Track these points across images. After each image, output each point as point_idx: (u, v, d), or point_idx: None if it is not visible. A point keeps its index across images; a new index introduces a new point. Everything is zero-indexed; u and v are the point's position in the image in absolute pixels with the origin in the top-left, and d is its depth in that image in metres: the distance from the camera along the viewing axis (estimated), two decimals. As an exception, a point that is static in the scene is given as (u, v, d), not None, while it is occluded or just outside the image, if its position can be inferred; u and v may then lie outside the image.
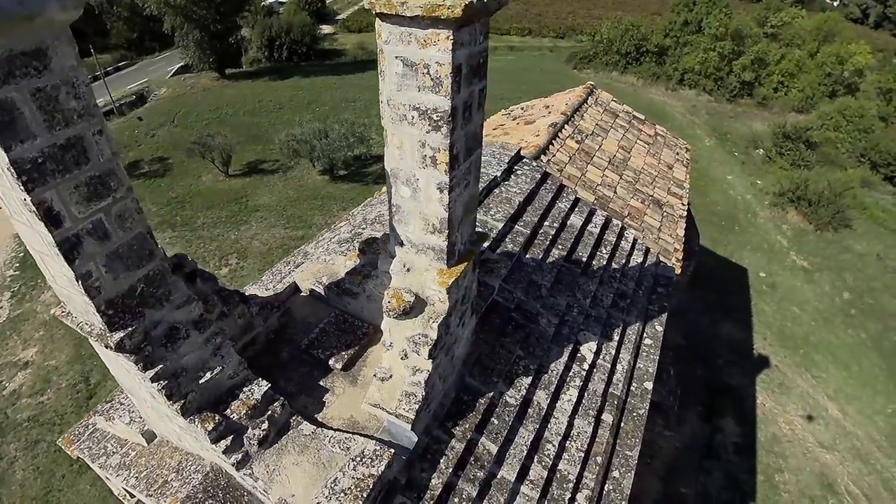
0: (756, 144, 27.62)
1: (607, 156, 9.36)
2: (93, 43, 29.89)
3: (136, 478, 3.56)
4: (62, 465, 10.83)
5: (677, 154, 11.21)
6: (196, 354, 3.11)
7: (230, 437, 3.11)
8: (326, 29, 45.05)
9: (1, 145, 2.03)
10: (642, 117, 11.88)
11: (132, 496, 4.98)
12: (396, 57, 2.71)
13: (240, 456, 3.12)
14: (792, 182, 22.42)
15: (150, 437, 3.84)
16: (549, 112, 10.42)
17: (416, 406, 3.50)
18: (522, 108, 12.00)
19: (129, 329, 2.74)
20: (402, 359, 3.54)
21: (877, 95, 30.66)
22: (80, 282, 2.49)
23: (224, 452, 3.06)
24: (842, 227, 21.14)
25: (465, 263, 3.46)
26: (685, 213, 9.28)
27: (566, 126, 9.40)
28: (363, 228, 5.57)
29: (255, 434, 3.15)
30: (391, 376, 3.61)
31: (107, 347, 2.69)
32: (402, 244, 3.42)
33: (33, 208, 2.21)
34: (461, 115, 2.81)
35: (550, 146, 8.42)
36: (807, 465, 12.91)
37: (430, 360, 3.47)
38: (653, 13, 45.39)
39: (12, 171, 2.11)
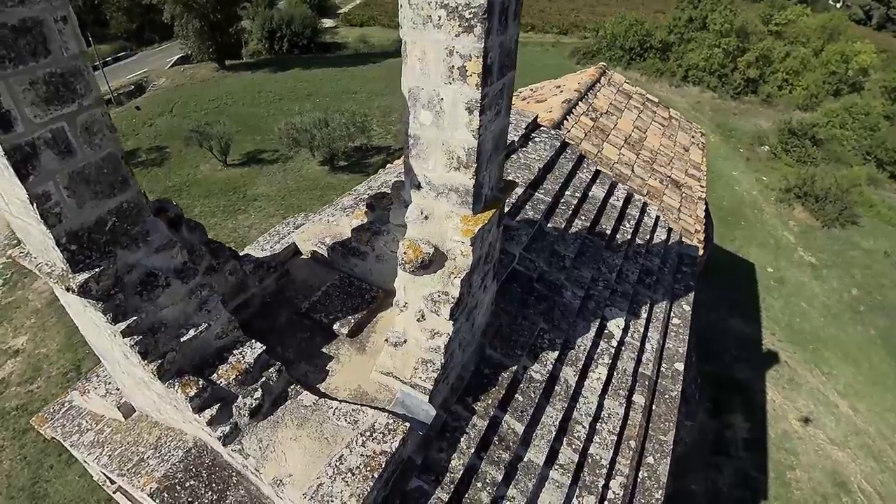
0: (761, 141, 27.26)
1: (623, 135, 8.91)
2: (92, 33, 29.34)
3: (109, 456, 3.09)
4: (51, 455, 10.39)
5: (692, 137, 10.77)
6: (178, 308, 2.64)
7: (216, 407, 2.63)
8: (328, 22, 44.56)
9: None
10: (656, 100, 11.44)
11: (112, 481, 4.50)
12: (422, -57, 2.25)
13: (227, 429, 2.64)
14: (798, 178, 22.07)
15: (127, 411, 3.36)
16: (561, 91, 9.96)
17: (435, 375, 3.03)
18: (532, 90, 11.55)
19: (96, 270, 2.27)
20: (418, 321, 3.08)
21: (882, 94, 30.37)
22: (34, 205, 2.02)
23: (209, 424, 2.59)
24: (849, 224, 20.78)
25: (493, 211, 2.99)
26: (704, 195, 8.85)
27: (580, 103, 8.95)
28: (369, 193, 5.09)
29: (245, 403, 2.68)
30: (405, 341, 3.14)
31: (68, 290, 2.22)
32: (419, 187, 2.95)
33: (-29, 102, 1.74)
34: (497, 14, 2.34)
35: (565, 122, 7.97)
36: (819, 463, 12.51)
37: (451, 322, 3.00)
38: (656, 11, 44.98)
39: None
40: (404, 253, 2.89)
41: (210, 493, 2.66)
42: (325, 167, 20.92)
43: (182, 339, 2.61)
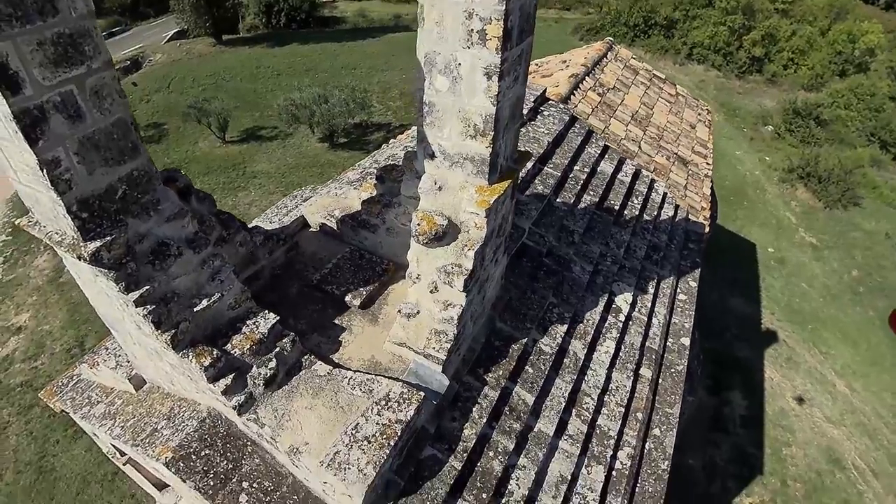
0: (765, 121, 26.97)
1: (630, 111, 8.79)
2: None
3: (122, 427, 3.10)
4: (56, 430, 10.51)
5: (699, 115, 10.63)
6: (190, 278, 2.61)
7: (231, 376, 2.62)
8: (325, -4, 43.50)
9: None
10: (662, 76, 11.26)
11: (122, 454, 4.54)
12: None
13: (242, 398, 2.64)
14: (802, 159, 21.90)
15: (138, 382, 3.36)
16: (567, 66, 9.78)
17: (448, 345, 3.02)
18: (537, 64, 11.34)
19: (108, 239, 2.23)
20: (430, 292, 3.05)
21: (888, 75, 29.93)
22: (44, 171, 1.97)
23: (224, 394, 2.58)
24: (851, 206, 20.70)
25: (508, 182, 2.94)
26: (710, 173, 8.77)
27: (587, 78, 8.80)
28: (375, 168, 5.02)
29: (260, 373, 2.67)
30: (418, 312, 3.12)
31: (80, 259, 2.18)
32: (432, 156, 2.89)
33: (-20, 62, 1.68)
34: (519, -25, 2.26)
35: (572, 97, 7.84)
36: (814, 440, 12.70)
37: (464, 294, 2.98)
38: (661, -15, 43.96)
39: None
40: (418, 225, 2.86)
41: (225, 462, 2.67)
42: (325, 144, 20.69)
43: (195, 310, 2.58)
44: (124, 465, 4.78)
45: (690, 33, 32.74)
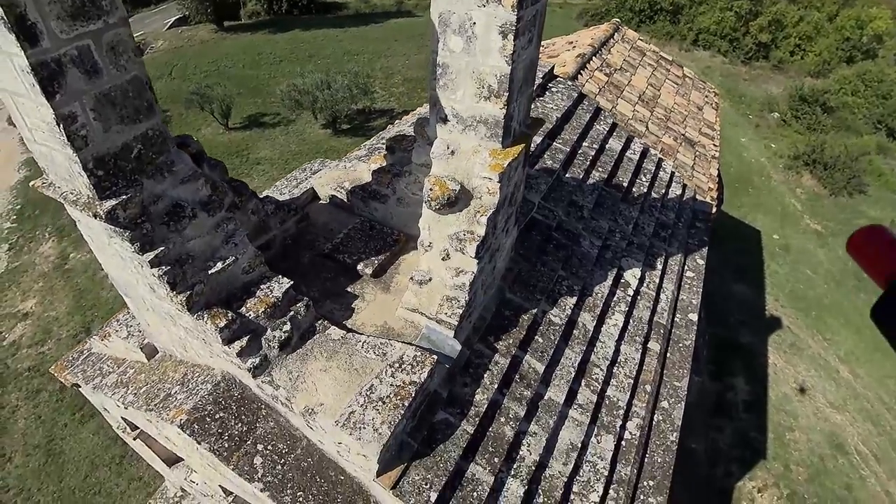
0: (771, 107, 26.73)
1: (637, 91, 8.71)
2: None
3: (135, 394, 3.12)
4: (64, 413, 10.61)
5: (706, 97, 10.55)
6: (204, 240, 2.61)
7: (246, 338, 2.64)
8: (327, -18, 43.03)
9: None
10: (669, 58, 11.15)
11: (133, 427, 4.58)
12: None
13: (257, 360, 2.65)
14: (807, 145, 21.74)
15: (150, 352, 3.38)
16: (574, 47, 9.68)
17: (459, 311, 3.03)
18: (543, 46, 11.25)
19: (123, 197, 2.23)
20: (442, 259, 3.06)
21: (895, 62, 29.59)
22: (61, 126, 1.96)
23: (238, 356, 2.60)
24: (856, 193, 20.58)
25: (521, 146, 2.93)
26: (717, 154, 8.72)
27: (594, 58, 8.72)
28: (383, 143, 5.00)
29: (275, 336, 2.69)
30: (430, 279, 3.13)
31: (95, 217, 2.18)
32: (445, 120, 2.88)
33: (1, 13, 1.66)
34: (536, -71, 2.23)
35: (579, 76, 7.77)
36: (817, 425, 12.75)
37: (476, 261, 2.98)
38: (667, -30, 43.36)
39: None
40: (430, 190, 2.85)
41: (240, 424, 2.70)
42: (328, 130, 20.62)
43: (210, 272, 2.59)
44: (135, 439, 4.82)
45: (696, 19, 32.36)
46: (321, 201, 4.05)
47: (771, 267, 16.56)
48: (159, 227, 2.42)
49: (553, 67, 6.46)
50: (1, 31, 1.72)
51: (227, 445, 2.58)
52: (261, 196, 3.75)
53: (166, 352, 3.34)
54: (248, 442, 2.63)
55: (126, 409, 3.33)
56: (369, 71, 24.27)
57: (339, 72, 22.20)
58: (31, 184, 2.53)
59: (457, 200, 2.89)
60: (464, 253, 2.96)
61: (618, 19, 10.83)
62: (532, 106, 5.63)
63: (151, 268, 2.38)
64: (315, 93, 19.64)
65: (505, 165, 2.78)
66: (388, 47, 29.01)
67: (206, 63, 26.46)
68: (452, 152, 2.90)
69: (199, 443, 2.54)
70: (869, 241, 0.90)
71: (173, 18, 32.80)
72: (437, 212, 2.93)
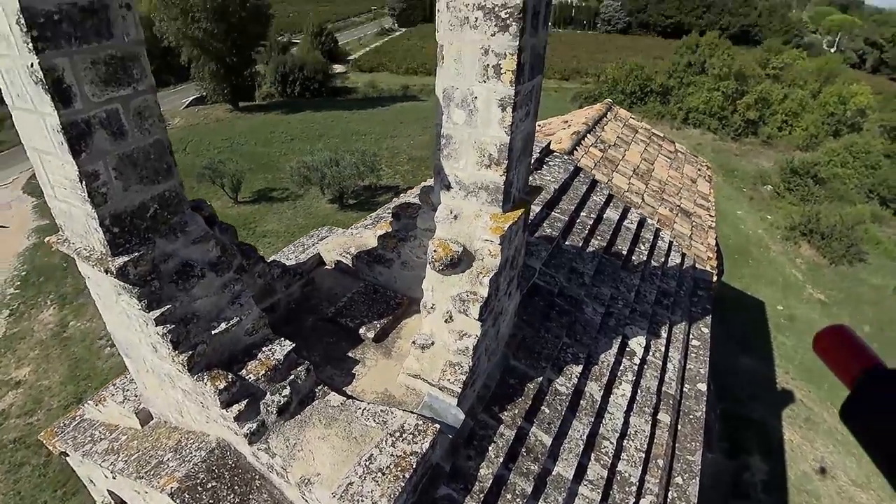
0: (763, 181, 27.61)
1: (631, 166, 9.07)
2: (109, 74, 30.47)
3: (125, 461, 2.99)
4: (45, 490, 10.06)
5: (699, 170, 10.94)
6: (211, 300, 2.63)
7: (244, 402, 2.57)
8: (338, 68, 46.33)
9: (12, -16, 1.66)
10: (661, 135, 11.70)
11: (120, 502, 4.34)
12: (461, -50, 2.39)
13: (254, 426, 2.57)
14: (803, 216, 22.19)
15: (145, 417, 3.28)
16: (569, 125, 10.22)
17: (463, 377, 2.97)
18: (539, 125, 11.86)
19: (135, 254, 2.28)
20: (445, 322, 3.05)
21: (881, 134, 30.95)
22: (83, 182, 2.06)
23: (236, 420, 2.52)
24: (856, 261, 20.72)
25: (521, 210, 3.02)
26: (714, 225, 8.89)
27: (588, 135, 9.17)
28: (387, 214, 5.15)
29: (274, 400, 2.62)
30: (433, 343, 3.10)
31: (106, 273, 2.22)
32: (449, 187, 2.99)
33: (40, 75, 1.81)
34: (531, 15, 2.45)
35: (575, 152, 8.13)
36: (842, 505, 11.95)
37: (480, 323, 2.97)
38: (655, 57, 46.59)
39: (22, 22, 1.72)
40: (434, 251, 2.90)
41: (232, 495, 2.56)
42: (335, 205, 21.21)
43: (213, 332, 2.58)
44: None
45: (685, 99, 34.26)
46: (327, 266, 4.11)
47: (778, 338, 16.30)
48: (168, 285, 2.45)
49: (549, 143, 6.78)
50: (38, 92, 1.87)
51: (217, 519, 2.44)
52: (268, 261, 3.81)
53: (161, 418, 3.24)
54: (240, 515, 2.49)
55: (115, 477, 3.17)
56: (376, 150, 25.42)
57: (347, 150, 23.26)
58: (46, 240, 2.60)
59: (459, 261, 2.93)
60: (467, 315, 2.96)
61: (610, 100, 11.51)
62: (530, 178, 5.86)
63: (157, 325, 2.38)
64: (323, 169, 20.45)
65: (505, 228, 2.86)
66: (394, 128, 30.59)
67: (220, 140, 27.81)
68: (455, 216, 2.99)
69: (187, 515, 2.40)
70: (833, 342, 0.92)
71: (191, 98, 34.91)
72: (440, 272, 2.96)
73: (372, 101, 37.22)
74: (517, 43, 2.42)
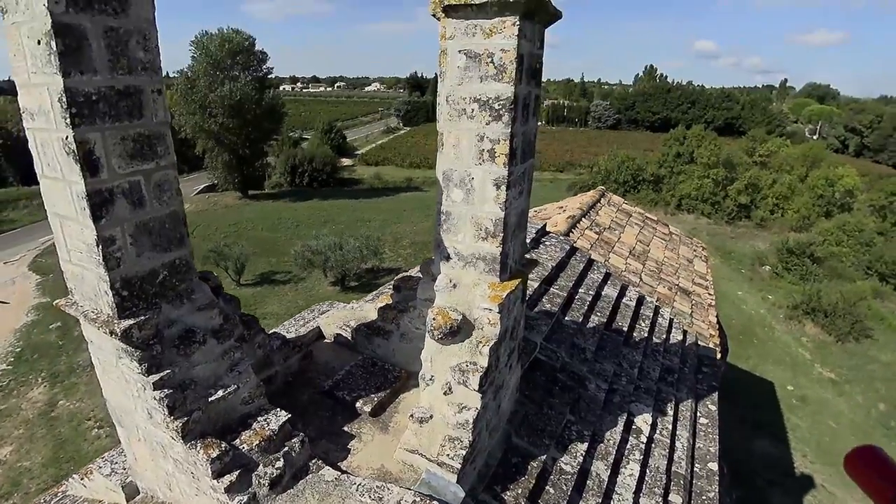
0: (761, 261, 27.93)
1: (627, 247, 9.30)
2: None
3: (107, 543, 2.82)
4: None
5: (695, 251, 11.17)
6: (210, 367, 2.64)
7: (236, 473, 2.49)
8: (346, 161, 48.87)
9: (60, 70, 1.90)
10: (655, 218, 12.10)
11: None
12: (460, 51, 2.72)
13: (245, 499, 2.46)
14: (804, 295, 22.18)
15: (131, 492, 3.14)
16: (564, 210, 10.62)
17: (463, 452, 2.88)
18: (535, 210, 12.29)
19: (141, 318, 2.35)
20: (444, 394, 3.01)
21: (871, 213, 31.79)
22: (100, 247, 2.18)
23: (227, 491, 2.43)
24: (863, 338, 20.38)
25: (518, 280, 3.11)
26: (714, 303, 8.92)
27: (583, 219, 9.50)
28: (388, 290, 5.24)
29: (266, 472, 2.53)
30: (431, 417, 3.04)
31: (111, 334, 2.27)
32: (448, 258, 3.11)
33: (73, 147, 2.01)
34: (521, 107, 2.72)
35: (570, 234, 8.39)
36: None
37: (480, 395, 2.94)
38: (645, 149, 49.27)
39: (63, 101, 1.95)
40: (433, 319, 2.95)
41: (217, 580, 2.39)
42: (336, 287, 21.36)
43: (210, 399, 2.57)
44: None
45: (677, 187, 35.66)
46: (326, 340, 4.12)
47: (791, 420, 15.62)
48: (169, 350, 2.48)
49: (545, 224, 7.05)
50: (68, 162, 2.04)
51: None
52: (268, 333, 3.84)
53: (149, 493, 3.09)
54: None
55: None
56: (380, 235, 26.14)
57: (351, 235, 23.91)
58: (55, 302, 2.67)
59: (459, 330, 2.97)
60: (467, 386, 2.94)
61: (603, 187, 12.04)
62: (527, 255, 6.02)
63: (154, 390, 2.38)
64: (327, 253, 20.89)
65: (503, 297, 2.93)
66: (397, 216, 31.63)
67: (228, 225, 28.67)
68: (455, 285, 3.08)
69: None
70: (865, 463, 0.90)
71: (202, 185, 36.46)
72: (439, 341, 2.98)
73: (377, 192, 38.84)
74: (509, 130, 2.67)
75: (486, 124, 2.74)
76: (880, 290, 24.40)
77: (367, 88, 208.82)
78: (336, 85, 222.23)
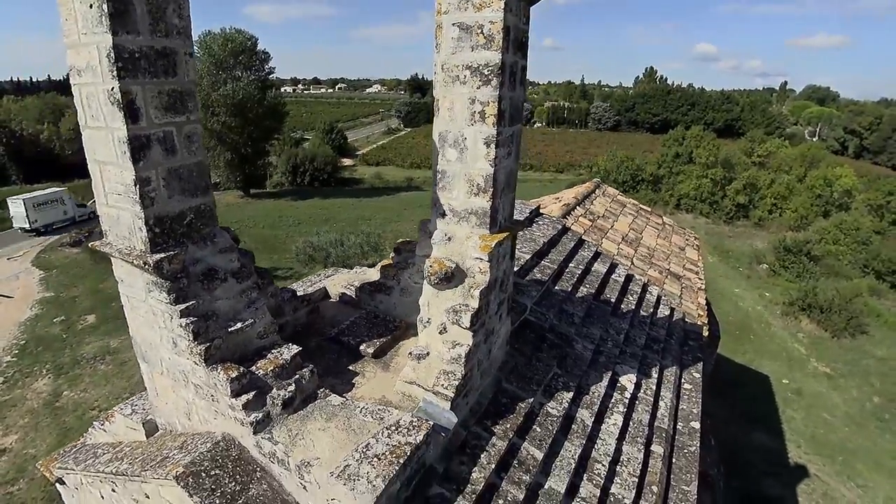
0: (759, 260, 28.22)
1: (620, 234, 9.59)
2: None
3: (129, 462, 3.14)
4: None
5: (687, 240, 11.47)
6: (230, 302, 2.97)
7: (252, 393, 2.81)
8: (347, 161, 49.25)
9: (110, 29, 2.23)
10: (649, 209, 12.40)
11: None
12: (453, 24, 3.05)
13: (260, 415, 2.78)
14: (800, 291, 22.47)
15: (151, 428, 3.47)
16: (559, 200, 10.93)
17: (456, 383, 3.20)
18: (530, 203, 12.62)
19: (171, 253, 2.68)
20: (440, 333, 3.33)
21: (868, 212, 32.08)
22: (137, 186, 2.51)
23: (244, 408, 2.75)
24: (859, 334, 20.67)
25: (507, 233, 3.44)
26: (703, 287, 9.21)
27: (578, 207, 9.80)
28: (389, 261, 5.57)
29: (279, 394, 2.85)
30: (428, 353, 3.36)
31: (144, 266, 2.60)
32: (443, 215, 3.43)
33: (118, 96, 2.34)
34: (508, 73, 3.05)
35: (565, 220, 8.70)
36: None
37: (472, 333, 3.26)
38: (645, 150, 49.62)
39: (111, 56, 2.28)
40: (430, 266, 3.27)
41: (234, 483, 2.69)
42: (338, 281, 21.64)
43: (230, 330, 2.89)
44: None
45: (676, 186, 35.97)
46: (332, 299, 4.44)
47: (786, 413, 15.89)
48: (194, 284, 2.81)
49: (539, 206, 7.35)
50: (112, 110, 2.37)
51: (218, 502, 2.56)
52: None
53: (168, 427, 3.41)
54: (240, 501, 2.61)
55: (114, 490, 3.28)
56: (381, 232, 26.48)
57: (352, 232, 24.26)
58: (90, 244, 2.99)
59: (453, 276, 3.29)
60: (459, 325, 3.25)
61: (598, 178, 12.36)
62: (521, 234, 6.33)
63: (181, 317, 2.70)
64: (328, 249, 21.25)
65: (493, 246, 3.25)
66: (398, 214, 31.97)
67: (230, 223, 28.80)
68: (449, 238, 3.40)
69: (191, 496, 2.53)
70: None
71: (206, 187, 36.67)
72: (435, 286, 3.30)
73: (378, 191, 39.23)
74: (498, 93, 3.00)
75: (477, 88, 3.07)
76: (876, 288, 24.69)
77: (368, 90, 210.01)
78: (337, 87, 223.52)
